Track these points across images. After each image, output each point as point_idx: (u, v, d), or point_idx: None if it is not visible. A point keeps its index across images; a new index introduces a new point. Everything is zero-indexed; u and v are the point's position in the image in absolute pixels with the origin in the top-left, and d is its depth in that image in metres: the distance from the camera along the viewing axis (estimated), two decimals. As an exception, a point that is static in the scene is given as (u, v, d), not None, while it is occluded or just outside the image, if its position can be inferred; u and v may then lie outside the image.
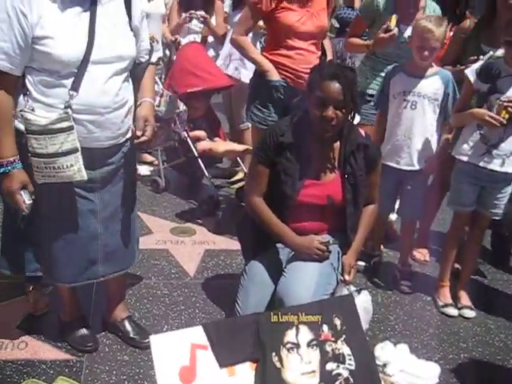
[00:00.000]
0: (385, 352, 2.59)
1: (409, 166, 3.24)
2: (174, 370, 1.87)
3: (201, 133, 4.49)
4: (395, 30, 3.25)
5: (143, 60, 2.41)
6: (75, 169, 2.15)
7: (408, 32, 3.32)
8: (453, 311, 3.22)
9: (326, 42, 3.60)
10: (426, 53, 3.06)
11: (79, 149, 2.14)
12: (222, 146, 4.42)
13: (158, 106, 4.20)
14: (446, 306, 3.24)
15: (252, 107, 3.44)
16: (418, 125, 3.19)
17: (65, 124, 2.10)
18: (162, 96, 4.33)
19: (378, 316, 3.08)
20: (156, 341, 1.89)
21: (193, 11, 4.79)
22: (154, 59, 2.51)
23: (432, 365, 2.63)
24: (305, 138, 2.44)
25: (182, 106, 4.32)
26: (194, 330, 1.98)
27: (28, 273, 2.53)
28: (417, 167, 3.24)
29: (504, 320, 3.20)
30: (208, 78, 4.38)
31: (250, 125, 4.42)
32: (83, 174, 2.17)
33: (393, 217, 4.02)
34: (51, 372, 2.44)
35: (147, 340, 2.54)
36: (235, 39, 3.38)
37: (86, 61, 2.10)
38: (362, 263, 3.54)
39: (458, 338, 3.00)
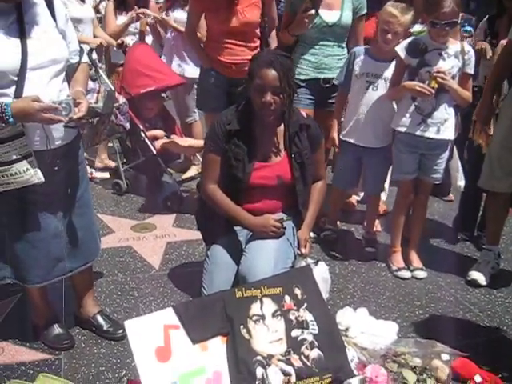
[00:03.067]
0: (346, 317, 2.76)
1: (370, 144, 3.45)
2: (151, 350, 2.00)
3: (158, 132, 4.60)
4: (312, 11, 3.38)
5: (73, 61, 2.48)
6: (31, 172, 2.24)
7: (327, 17, 3.48)
8: (406, 274, 3.44)
9: (273, 35, 3.77)
10: (389, 36, 3.26)
11: (32, 153, 2.23)
12: (179, 142, 4.54)
13: (96, 102, 4.21)
14: (399, 269, 3.45)
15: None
16: (379, 105, 3.39)
17: (16, 131, 2.18)
18: (99, 92, 4.32)
19: (337, 286, 3.27)
20: (131, 325, 2.01)
21: (140, 10, 4.82)
22: (84, 59, 2.57)
23: (390, 323, 2.82)
24: (250, 124, 2.58)
25: (121, 99, 4.37)
26: (165, 312, 2.11)
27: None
28: (377, 145, 3.45)
29: (453, 276, 3.44)
30: (159, 77, 4.47)
31: (196, 118, 4.64)
32: (40, 176, 2.26)
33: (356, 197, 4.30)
34: (31, 372, 2.51)
35: (121, 331, 2.68)
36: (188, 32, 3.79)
37: (23, 68, 2.18)
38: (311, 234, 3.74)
39: (413, 298, 3.22)
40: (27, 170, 2.23)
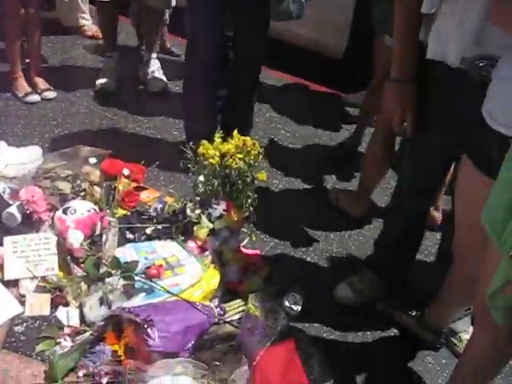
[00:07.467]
0: None
1: None
2: None
3: None
4: None
5: None
6: None
7: None
8: (35, 97, 3.31)
9: None
10: None
11: None
12: None
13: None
14: (27, 95, 3.28)
15: None
16: None
17: None
18: None
19: None
20: None
21: None
22: None
23: (33, 148, 2.76)
24: None
25: None
26: None
27: None
28: None
29: (82, 90, 3.50)
30: None
31: None
32: None
33: None
34: None
35: None
36: None
37: None
38: None
39: (48, 119, 3.18)
40: None
